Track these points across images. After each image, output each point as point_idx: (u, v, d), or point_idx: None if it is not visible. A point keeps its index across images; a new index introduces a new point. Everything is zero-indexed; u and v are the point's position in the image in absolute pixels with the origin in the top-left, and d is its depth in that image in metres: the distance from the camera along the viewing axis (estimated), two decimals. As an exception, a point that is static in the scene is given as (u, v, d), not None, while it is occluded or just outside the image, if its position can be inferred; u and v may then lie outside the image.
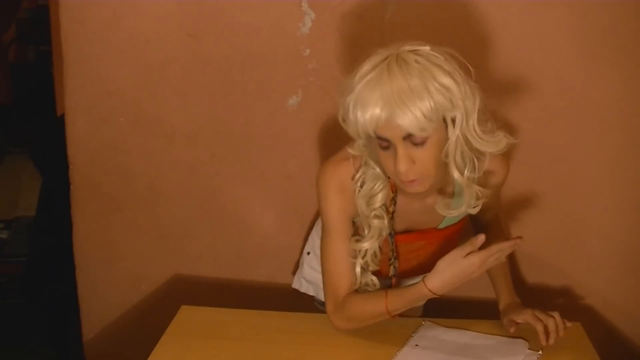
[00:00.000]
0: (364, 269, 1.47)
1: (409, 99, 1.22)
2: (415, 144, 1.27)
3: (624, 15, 1.67)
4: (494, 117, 1.34)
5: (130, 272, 1.97)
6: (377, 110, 1.23)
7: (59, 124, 1.90)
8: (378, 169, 1.39)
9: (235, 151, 1.85)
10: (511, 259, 1.80)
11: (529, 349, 1.46)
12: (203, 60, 1.78)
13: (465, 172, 1.35)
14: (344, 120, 1.34)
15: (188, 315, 1.62)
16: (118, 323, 2.00)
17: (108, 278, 1.97)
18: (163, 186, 1.89)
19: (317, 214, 1.79)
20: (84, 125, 1.85)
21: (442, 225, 1.50)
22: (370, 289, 1.49)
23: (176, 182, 1.89)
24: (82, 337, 2.03)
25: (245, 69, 1.77)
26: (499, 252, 1.35)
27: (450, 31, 1.70)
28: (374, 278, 1.48)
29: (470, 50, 1.70)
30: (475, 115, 1.29)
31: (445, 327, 1.53)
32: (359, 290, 1.49)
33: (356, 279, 1.47)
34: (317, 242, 1.69)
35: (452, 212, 1.42)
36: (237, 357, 1.47)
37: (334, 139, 1.79)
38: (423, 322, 1.54)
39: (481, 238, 1.33)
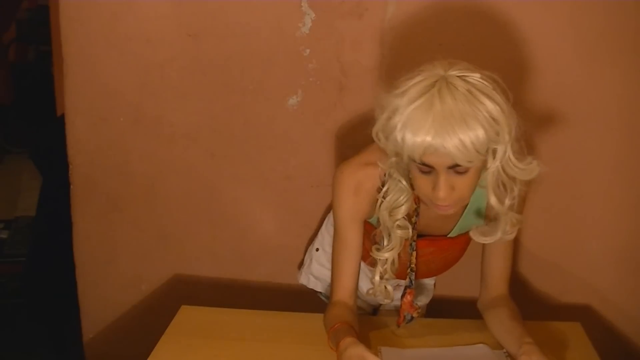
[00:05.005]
0: (381, 277, 1.47)
1: (462, 131, 1.20)
2: (458, 173, 1.27)
3: (624, 15, 1.67)
4: (526, 144, 1.33)
5: (130, 272, 1.97)
6: (429, 138, 1.21)
7: (59, 124, 1.90)
8: (404, 182, 1.38)
9: (235, 151, 1.85)
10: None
11: (493, 349, 1.46)
12: (203, 60, 1.78)
13: (506, 200, 1.35)
14: (380, 137, 1.32)
15: (188, 315, 1.62)
16: (118, 323, 2.00)
17: (108, 278, 1.97)
18: (163, 186, 1.89)
19: (326, 212, 1.80)
20: (84, 125, 1.85)
21: (453, 234, 1.51)
22: (383, 300, 1.51)
23: (176, 182, 1.89)
24: (82, 337, 2.03)
25: (245, 69, 1.77)
26: None
27: (450, 31, 1.70)
28: (389, 287, 1.50)
29: (471, 51, 1.71)
30: (511, 145, 1.29)
31: (403, 348, 1.50)
32: (370, 299, 1.52)
33: (356, 284, 1.50)
34: (327, 239, 1.71)
35: (487, 239, 1.42)
36: (237, 357, 1.47)
37: (333, 139, 1.80)
38: (379, 349, 1.49)
39: None
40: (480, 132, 1.21)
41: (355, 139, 1.76)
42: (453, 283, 1.80)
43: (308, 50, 1.75)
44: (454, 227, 1.49)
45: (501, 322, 1.46)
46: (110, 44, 1.78)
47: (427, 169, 1.27)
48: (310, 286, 1.76)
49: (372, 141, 1.38)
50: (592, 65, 1.71)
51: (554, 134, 1.76)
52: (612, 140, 1.77)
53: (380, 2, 1.69)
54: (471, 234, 1.44)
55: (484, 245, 1.50)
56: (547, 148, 1.77)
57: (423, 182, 1.30)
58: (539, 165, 1.33)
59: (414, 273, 1.49)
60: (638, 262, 1.85)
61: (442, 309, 1.66)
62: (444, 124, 1.20)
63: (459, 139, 1.20)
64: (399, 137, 1.24)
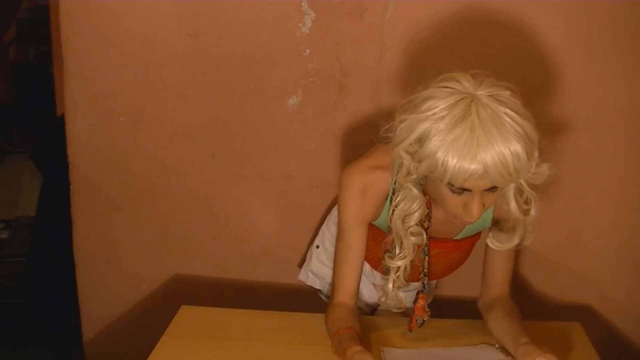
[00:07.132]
0: (393, 284, 1.47)
1: (507, 158, 1.20)
2: (490, 191, 1.27)
3: (624, 15, 1.67)
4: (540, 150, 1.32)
5: (130, 272, 1.97)
6: (474, 166, 1.20)
7: (59, 124, 1.90)
8: (416, 190, 1.38)
9: (235, 151, 1.85)
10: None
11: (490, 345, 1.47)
12: (203, 60, 1.78)
13: (532, 211, 1.36)
14: (404, 157, 1.30)
15: (188, 315, 1.62)
16: (118, 323, 2.00)
17: (108, 278, 1.97)
18: (163, 186, 1.89)
19: (327, 211, 1.80)
20: (84, 125, 1.85)
21: (459, 237, 1.51)
22: (395, 308, 1.50)
23: (176, 182, 1.89)
24: (82, 337, 2.02)
25: (245, 69, 1.77)
26: None
27: (450, 31, 1.70)
28: (401, 295, 1.49)
29: (470, 51, 1.71)
30: None
31: (405, 348, 1.50)
32: (382, 305, 1.52)
33: (358, 286, 1.51)
34: (327, 236, 1.72)
35: (504, 246, 1.42)
36: (237, 357, 1.47)
37: (334, 139, 1.80)
38: (382, 349, 1.49)
39: None
40: (523, 156, 1.22)
41: (356, 139, 1.76)
42: (453, 283, 1.80)
43: (308, 50, 1.75)
44: (462, 230, 1.49)
45: (499, 322, 1.46)
46: (110, 44, 1.78)
47: (461, 191, 1.26)
48: (309, 283, 1.77)
49: (374, 142, 1.37)
50: (592, 65, 1.71)
51: (554, 134, 1.76)
52: (612, 140, 1.76)
53: (380, 2, 1.69)
54: (488, 241, 1.45)
55: (487, 245, 1.50)
56: (547, 148, 1.77)
57: (453, 202, 1.29)
58: (549, 169, 1.32)
59: (426, 277, 1.49)
60: (638, 262, 1.85)
61: (442, 309, 1.66)
62: (489, 150, 1.19)
63: (504, 166, 1.20)
64: (439, 163, 1.22)
